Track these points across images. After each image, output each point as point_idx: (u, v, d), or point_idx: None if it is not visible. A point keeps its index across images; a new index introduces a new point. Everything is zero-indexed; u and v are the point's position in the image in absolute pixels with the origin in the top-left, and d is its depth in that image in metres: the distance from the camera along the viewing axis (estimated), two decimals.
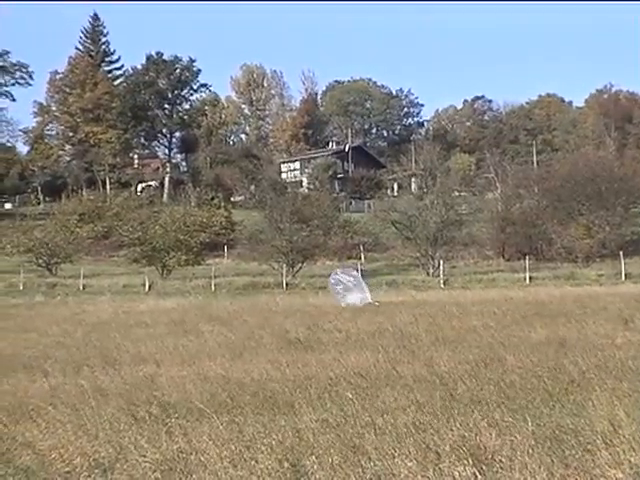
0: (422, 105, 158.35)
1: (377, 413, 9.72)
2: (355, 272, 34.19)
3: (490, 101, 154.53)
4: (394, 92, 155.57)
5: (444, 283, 51.29)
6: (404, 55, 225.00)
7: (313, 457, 7.79)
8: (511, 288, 44.07)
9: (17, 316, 29.81)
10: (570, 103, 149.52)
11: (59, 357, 16.71)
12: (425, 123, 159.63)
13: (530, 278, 51.18)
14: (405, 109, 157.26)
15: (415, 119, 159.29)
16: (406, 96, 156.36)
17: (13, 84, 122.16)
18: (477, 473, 7.04)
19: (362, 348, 16.34)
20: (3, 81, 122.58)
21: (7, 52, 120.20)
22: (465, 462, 7.38)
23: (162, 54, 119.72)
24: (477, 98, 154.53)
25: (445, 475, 7.04)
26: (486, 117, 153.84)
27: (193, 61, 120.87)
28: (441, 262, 55.63)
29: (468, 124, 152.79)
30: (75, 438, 9.03)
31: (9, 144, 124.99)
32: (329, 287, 34.07)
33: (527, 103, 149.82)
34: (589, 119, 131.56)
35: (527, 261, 53.44)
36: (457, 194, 74.79)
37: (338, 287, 32.47)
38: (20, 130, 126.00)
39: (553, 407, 9.85)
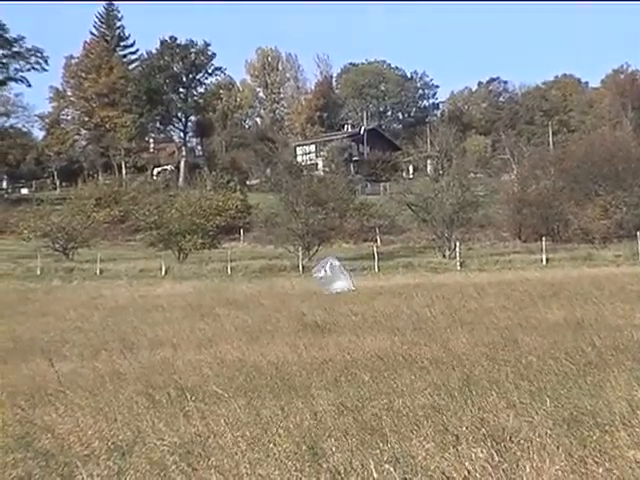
0: (437, 87, 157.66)
1: (394, 395, 9.72)
2: (337, 261, 33.90)
3: (505, 82, 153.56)
4: (409, 74, 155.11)
5: (460, 265, 51.15)
6: (418, 37, 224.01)
7: (331, 440, 7.80)
8: (528, 269, 44.05)
9: (35, 301, 29.93)
10: (586, 84, 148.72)
11: (77, 341, 16.80)
12: (440, 105, 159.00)
13: (547, 259, 50.99)
14: (420, 91, 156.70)
15: (430, 101, 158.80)
16: (421, 78, 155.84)
17: (29, 69, 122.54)
18: (495, 454, 7.03)
19: (379, 331, 16.36)
20: (19, 66, 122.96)
21: (22, 37, 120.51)
22: (483, 443, 7.38)
23: (176, 38, 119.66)
24: (492, 80, 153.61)
25: (463, 457, 7.03)
26: (501, 99, 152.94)
27: (208, 45, 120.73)
28: (457, 244, 55.45)
29: (484, 106, 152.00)
30: (94, 422, 9.07)
31: (25, 129, 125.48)
32: (314, 275, 33.75)
33: (543, 84, 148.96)
34: (605, 99, 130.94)
35: (544, 242, 53.18)
36: (473, 176, 74.58)
37: (322, 275, 32.32)
38: (36, 115, 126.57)
39: (571, 388, 9.83)
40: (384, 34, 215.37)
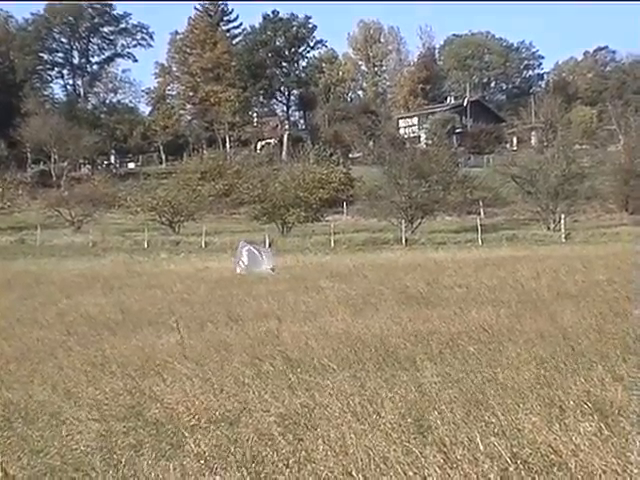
0: (542, 57, 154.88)
1: (500, 368, 9.66)
2: (249, 246, 32.40)
3: (613, 52, 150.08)
4: (515, 44, 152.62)
5: (566, 237, 50.48)
6: (522, 6, 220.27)
7: (436, 412, 7.79)
8: (636, 242, 43.17)
9: (142, 273, 30.38)
10: None
11: (184, 313, 17.00)
12: (545, 76, 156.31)
13: None
14: (525, 62, 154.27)
15: (535, 72, 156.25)
16: (527, 49, 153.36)
17: (135, 45, 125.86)
18: (603, 428, 6.95)
19: (483, 303, 16.23)
20: (125, 43, 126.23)
21: (128, 14, 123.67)
22: (590, 417, 7.30)
23: (278, 12, 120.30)
24: (599, 49, 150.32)
25: (571, 430, 6.96)
26: (608, 68, 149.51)
27: (309, 18, 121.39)
28: (562, 216, 54.77)
29: (589, 76, 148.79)
30: (201, 392, 9.20)
31: (132, 105, 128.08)
32: (237, 254, 32.46)
33: None
34: None
35: None
36: (579, 147, 73.56)
37: (240, 263, 31.25)
38: (142, 91, 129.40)
39: None
40: (488, 4, 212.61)
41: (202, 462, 6.87)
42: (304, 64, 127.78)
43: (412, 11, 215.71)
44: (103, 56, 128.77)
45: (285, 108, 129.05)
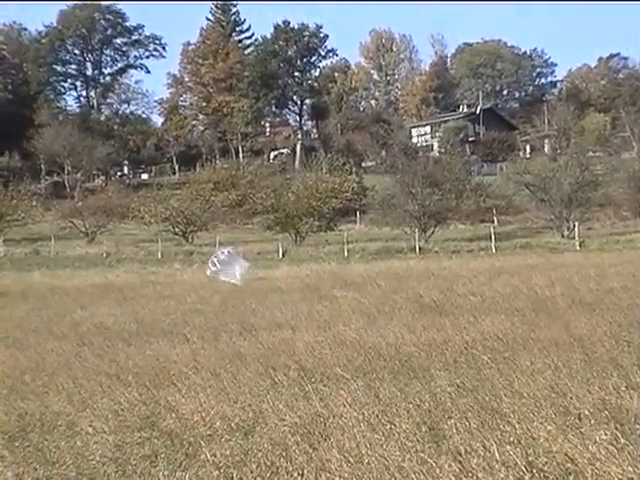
0: (555, 65, 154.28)
1: (514, 376, 9.64)
2: (230, 251, 32.26)
3: (626, 58, 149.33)
4: (528, 52, 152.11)
5: (580, 245, 50.32)
6: (535, 14, 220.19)
7: (451, 421, 7.78)
8: None
9: (156, 283, 30.40)
10: None
11: (197, 323, 17.02)
12: (558, 83, 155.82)
13: None
14: (537, 69, 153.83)
15: (548, 79, 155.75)
16: (539, 56, 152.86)
17: (147, 57, 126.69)
18: (619, 436, 6.92)
19: (497, 311, 16.21)
20: (138, 54, 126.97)
21: (142, 26, 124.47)
22: (606, 425, 7.27)
23: (289, 22, 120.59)
24: (612, 56, 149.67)
25: (587, 438, 6.94)
26: (621, 75, 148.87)
27: (320, 28, 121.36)
28: (576, 224, 54.64)
29: (602, 83, 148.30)
30: (216, 402, 9.22)
31: (145, 116, 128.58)
32: (212, 261, 32.25)
33: None
34: None
35: None
36: (592, 154, 73.41)
37: (215, 264, 31.11)
38: (155, 101, 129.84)
39: None
40: (500, 12, 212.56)
41: (218, 472, 6.88)
42: (316, 74, 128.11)
43: (424, 19, 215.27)
44: (116, 67, 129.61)
45: (298, 118, 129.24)
